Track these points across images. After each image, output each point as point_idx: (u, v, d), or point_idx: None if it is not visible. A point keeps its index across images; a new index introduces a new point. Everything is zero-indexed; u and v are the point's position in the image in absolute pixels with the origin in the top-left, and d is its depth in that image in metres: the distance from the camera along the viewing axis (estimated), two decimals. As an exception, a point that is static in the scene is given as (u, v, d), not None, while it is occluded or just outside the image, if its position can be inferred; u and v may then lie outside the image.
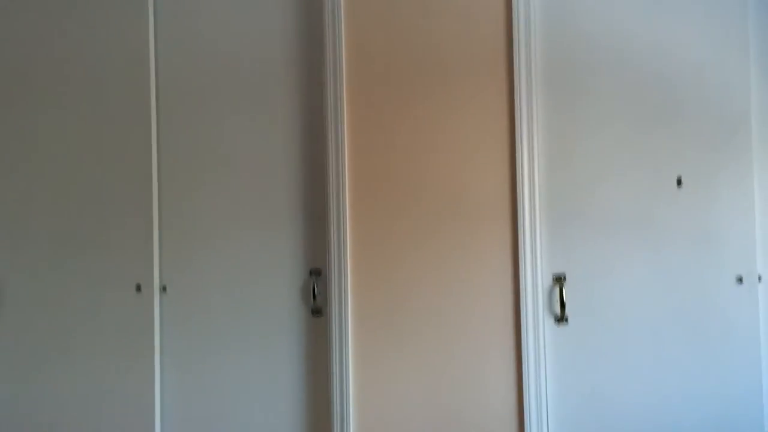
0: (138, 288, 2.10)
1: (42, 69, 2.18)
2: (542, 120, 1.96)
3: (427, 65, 1.99)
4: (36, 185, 2.17)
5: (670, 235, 1.92)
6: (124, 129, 2.13)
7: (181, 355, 2.11)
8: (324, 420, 2.03)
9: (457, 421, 1.96)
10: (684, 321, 1.91)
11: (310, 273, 2.06)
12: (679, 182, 1.94)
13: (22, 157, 2.18)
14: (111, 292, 2.11)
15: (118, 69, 2.13)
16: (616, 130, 1.95)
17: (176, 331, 2.11)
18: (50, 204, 2.16)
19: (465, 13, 1.98)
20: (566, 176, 1.95)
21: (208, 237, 2.10)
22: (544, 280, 1.94)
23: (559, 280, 1.94)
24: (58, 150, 2.16)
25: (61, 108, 2.17)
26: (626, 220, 1.94)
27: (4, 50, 2.19)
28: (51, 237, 2.15)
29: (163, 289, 2.11)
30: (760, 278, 1.90)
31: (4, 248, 2.17)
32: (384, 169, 2.01)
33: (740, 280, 1.90)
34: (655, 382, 1.91)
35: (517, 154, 1.94)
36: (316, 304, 2.05)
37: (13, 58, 2.19)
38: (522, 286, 1.92)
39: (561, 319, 1.93)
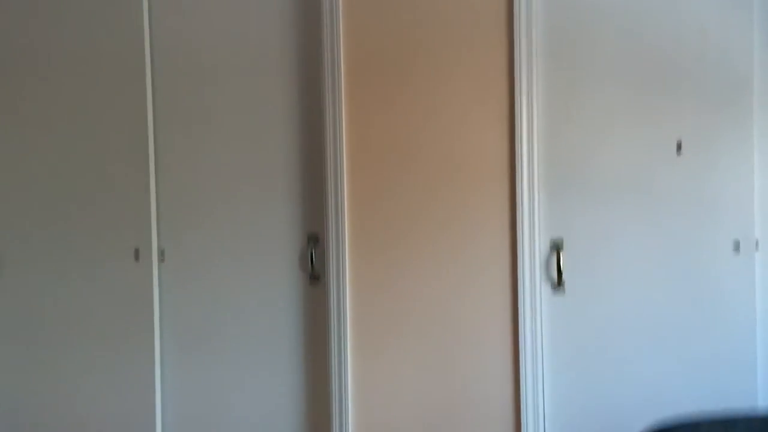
0: (136, 254, 2.10)
1: (40, 53, 2.15)
2: (542, 84, 1.93)
3: (425, 27, 1.96)
4: (33, 153, 2.16)
5: (668, 200, 1.91)
6: (120, 94, 2.10)
7: (180, 320, 2.12)
8: (322, 383, 2.05)
9: (453, 381, 1.98)
10: (681, 285, 1.91)
11: (308, 239, 2.06)
12: (678, 147, 1.92)
13: (18, 124, 2.16)
14: (109, 258, 2.12)
15: (113, 34, 2.10)
16: (616, 94, 1.92)
17: (175, 297, 2.12)
18: (47, 172, 2.15)
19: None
20: (565, 141, 1.94)
21: (206, 203, 2.10)
22: (542, 245, 1.94)
23: (557, 245, 1.94)
24: (55, 118, 2.14)
25: (56, 76, 2.14)
26: (625, 184, 1.93)
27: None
28: (48, 205, 2.15)
29: (162, 255, 2.12)
30: (757, 243, 1.90)
31: (1, 218, 2.17)
32: (382, 134, 1.99)
33: (737, 245, 1.90)
34: (651, 347, 1.92)
35: (515, 118, 1.92)
36: (314, 271, 2.05)
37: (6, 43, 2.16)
38: (519, 251, 1.92)
39: (558, 284, 1.94)
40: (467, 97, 1.96)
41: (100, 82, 2.12)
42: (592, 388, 1.94)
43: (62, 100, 2.14)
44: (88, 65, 2.13)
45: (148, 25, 2.09)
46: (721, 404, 1.87)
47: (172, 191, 2.11)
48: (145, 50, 2.08)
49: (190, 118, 2.10)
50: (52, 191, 2.15)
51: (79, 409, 2.17)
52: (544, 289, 1.94)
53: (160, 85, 2.10)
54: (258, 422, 2.10)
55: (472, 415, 1.97)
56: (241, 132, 2.08)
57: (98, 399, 2.15)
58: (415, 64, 1.97)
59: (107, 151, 2.12)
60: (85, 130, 2.13)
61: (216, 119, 2.09)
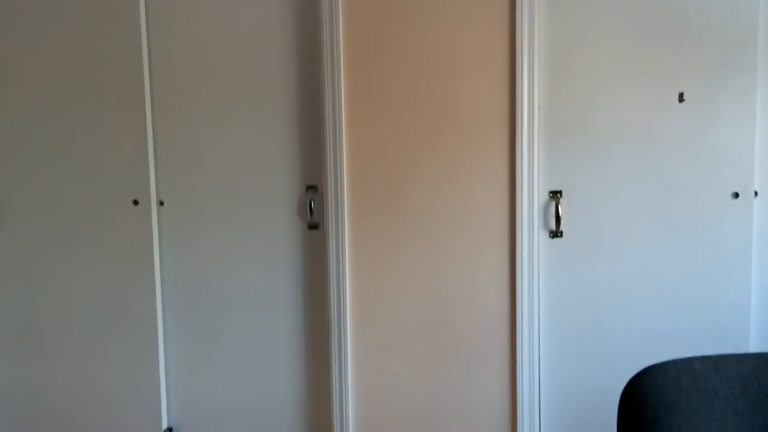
0: (135, 202, 2.11)
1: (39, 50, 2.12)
2: (543, 33, 1.91)
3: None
4: (31, 100, 2.14)
5: (669, 151, 1.91)
6: (117, 43, 2.08)
7: (180, 268, 2.14)
8: (321, 329, 2.08)
9: (450, 327, 2.00)
10: (679, 234, 1.92)
11: (307, 188, 2.06)
12: (681, 98, 1.91)
13: (18, 74, 2.15)
14: (109, 206, 2.12)
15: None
16: (618, 44, 1.91)
17: (175, 245, 2.13)
18: (45, 120, 2.14)
19: None
20: (566, 90, 1.93)
21: (204, 152, 2.10)
22: (541, 195, 1.94)
23: (556, 194, 1.94)
24: (53, 68, 2.12)
25: (57, 39, 2.12)
26: (625, 135, 1.92)
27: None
28: (47, 154, 2.15)
29: (161, 203, 2.12)
30: (756, 193, 1.91)
31: (2, 167, 2.17)
32: (380, 82, 1.98)
33: (736, 195, 1.90)
34: (647, 292, 1.94)
35: (516, 67, 1.91)
36: (313, 219, 2.06)
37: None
38: (518, 199, 1.92)
39: (556, 233, 1.95)
40: (467, 46, 1.94)
41: (97, 34, 2.09)
42: (588, 333, 1.96)
43: (60, 54, 2.12)
44: (83, 21, 2.10)
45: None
46: (716, 348, 1.89)
47: (170, 140, 2.10)
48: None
49: (187, 67, 2.08)
50: (51, 143, 2.14)
51: (82, 349, 2.20)
52: (541, 237, 1.95)
53: (157, 36, 2.08)
54: (257, 379, 2.13)
55: (466, 361, 2.00)
56: (241, 82, 2.06)
57: (100, 345, 2.18)
58: (415, 10, 1.95)
59: (104, 102, 2.10)
60: (82, 80, 2.11)
61: (213, 69, 2.07)
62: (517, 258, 1.94)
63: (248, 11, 2.04)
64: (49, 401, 2.23)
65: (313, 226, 2.07)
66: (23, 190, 2.17)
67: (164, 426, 2.16)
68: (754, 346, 1.93)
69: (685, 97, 1.91)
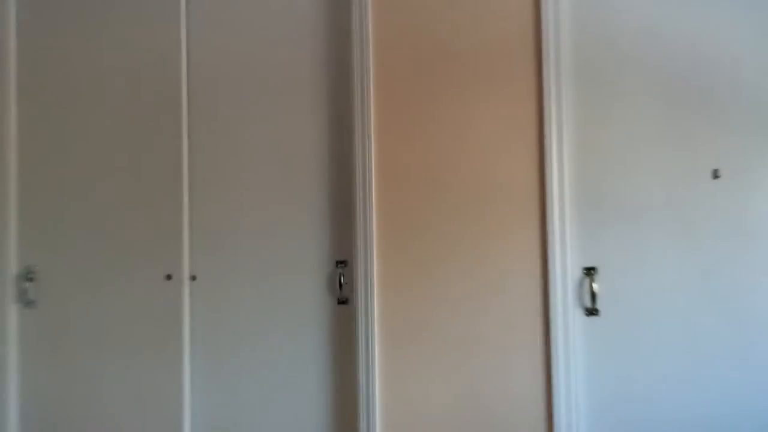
0: (168, 277, 2.14)
1: (80, 69, 2.26)
2: (571, 108, 1.93)
3: (454, 56, 1.99)
4: (71, 178, 2.24)
5: (706, 226, 1.86)
6: (156, 124, 2.18)
7: (210, 342, 2.13)
8: (350, 408, 2.02)
9: (484, 413, 1.92)
10: (721, 312, 1.84)
11: (337, 264, 2.06)
12: (715, 174, 1.87)
13: (58, 151, 2.25)
14: (142, 280, 2.16)
15: (152, 66, 2.19)
16: (648, 118, 1.90)
17: (205, 319, 2.14)
18: (84, 196, 2.23)
19: (493, 4, 1.97)
20: (596, 165, 1.92)
21: (237, 228, 2.13)
22: (574, 271, 1.90)
23: (590, 271, 1.90)
24: (93, 144, 2.23)
25: (95, 104, 2.24)
26: (660, 210, 1.88)
27: (43, 51, 2.28)
28: (85, 228, 2.22)
29: (193, 278, 2.15)
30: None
31: (41, 239, 2.25)
32: (411, 160, 2.00)
33: (781, 272, 1.82)
34: (689, 372, 1.84)
35: (545, 142, 1.91)
36: (343, 294, 2.05)
37: (52, 59, 2.28)
38: (551, 277, 1.88)
39: (592, 311, 1.88)
40: (496, 122, 1.96)
41: (139, 109, 2.20)
42: (628, 415, 1.85)
43: (99, 129, 2.23)
44: (126, 93, 2.21)
45: (186, 49, 2.18)
46: (759, 428, 1.77)
47: (204, 216, 2.15)
48: (181, 81, 2.16)
49: (221, 149, 2.15)
50: (88, 214, 2.22)
51: (112, 421, 2.18)
52: (577, 315, 1.89)
53: (195, 117, 2.17)
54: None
55: (502, 447, 1.90)
56: (271, 158, 2.12)
57: (129, 412, 2.16)
58: (445, 89, 2.00)
59: (143, 180, 2.18)
60: (121, 157, 2.20)
61: (247, 149, 2.14)
62: (551, 336, 1.88)
63: (282, 97, 2.12)
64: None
65: (343, 302, 2.06)
66: (60, 261, 2.23)
67: None
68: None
69: (720, 173, 1.88)
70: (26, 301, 2.22)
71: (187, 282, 2.14)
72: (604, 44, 1.93)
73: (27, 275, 2.23)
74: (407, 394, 1.97)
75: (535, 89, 1.95)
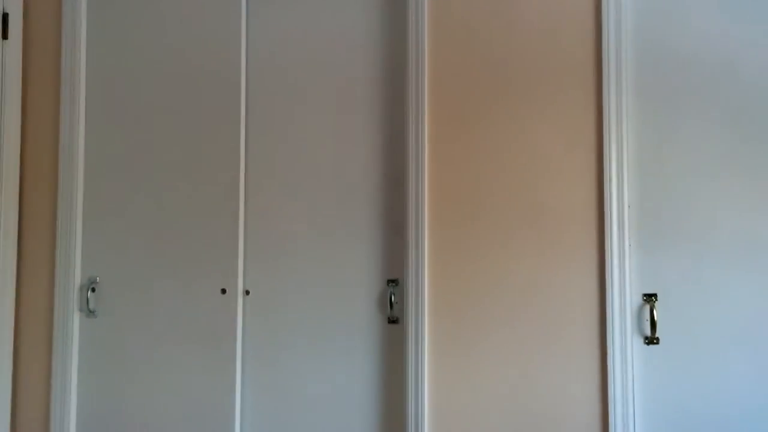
0: (223, 291, 2.18)
1: (142, 87, 2.33)
2: (633, 127, 1.87)
3: (511, 70, 1.96)
4: (133, 196, 2.31)
5: (776, 254, 1.77)
6: (214, 141, 2.23)
7: (261, 356, 2.16)
8: (398, 426, 2.01)
9: (536, 442, 1.88)
10: (793, 348, 1.74)
11: (388, 282, 2.06)
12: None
13: (121, 169, 2.33)
14: (198, 294, 2.21)
15: (210, 81, 2.24)
16: (716, 142, 1.82)
17: (258, 333, 2.17)
18: (144, 212, 2.29)
19: (551, 24, 1.93)
20: (658, 188, 1.85)
21: (290, 244, 2.16)
22: (634, 298, 1.83)
23: (650, 298, 1.83)
24: (153, 159, 2.29)
25: (156, 119, 2.30)
26: (725, 237, 1.80)
27: (103, 60, 2.36)
28: (144, 241, 2.28)
29: (247, 293, 2.18)
30: None
31: (103, 251, 2.33)
32: (464, 180, 1.98)
33: None
34: (755, 410, 1.75)
35: (605, 165, 1.86)
36: (393, 313, 2.04)
37: (110, 68, 2.36)
38: (609, 304, 1.82)
39: (651, 340, 1.82)
40: (553, 143, 1.92)
41: (197, 125, 2.25)
42: (690, 457, 1.78)
43: (160, 144, 2.29)
44: (185, 108, 2.27)
45: (245, 64, 2.22)
46: None
47: (259, 233, 2.18)
48: (240, 100, 2.20)
49: (277, 166, 2.18)
50: (148, 230, 2.28)
51: (163, 430, 2.24)
52: (635, 343, 1.83)
53: (252, 134, 2.21)
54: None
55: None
56: (326, 176, 2.13)
57: (181, 422, 2.22)
58: (500, 108, 1.96)
59: (201, 196, 2.23)
60: (182, 176, 2.26)
61: (301, 168, 2.16)
62: (608, 365, 1.82)
63: (337, 115, 2.14)
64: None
65: (393, 321, 2.05)
66: (120, 272, 2.30)
67: None
68: None
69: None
70: (88, 311, 2.31)
71: (241, 296, 2.18)
72: (672, 60, 1.86)
73: (90, 285, 2.31)
74: (457, 416, 1.94)
75: (595, 108, 1.89)
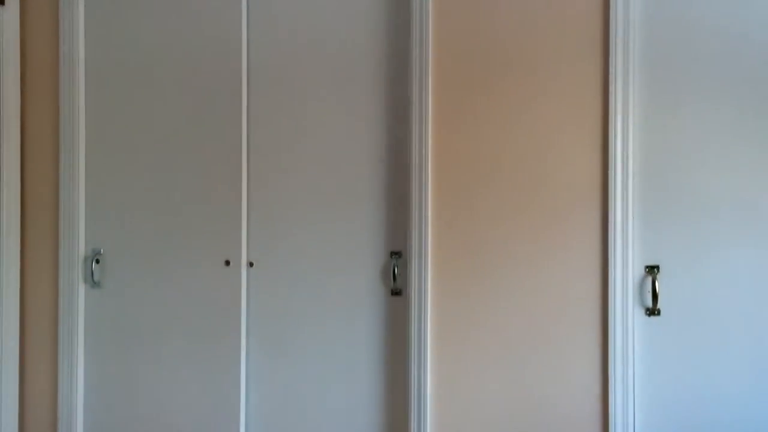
0: (227, 263, 2.19)
1: (141, 59, 2.30)
2: (639, 97, 1.84)
3: (517, 40, 1.93)
4: (135, 168, 2.30)
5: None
6: (217, 113, 2.21)
7: (265, 326, 2.19)
8: (401, 397, 2.05)
9: (538, 408, 1.91)
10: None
11: (391, 254, 2.07)
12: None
13: (123, 139, 2.32)
14: (202, 266, 2.22)
15: (212, 53, 2.21)
16: (722, 112, 1.80)
17: (262, 304, 2.19)
18: (147, 183, 2.29)
19: (558, -12, 1.89)
20: (663, 159, 1.84)
21: (294, 217, 2.16)
22: (636, 269, 1.84)
23: (652, 269, 1.84)
24: (156, 132, 2.28)
25: (158, 92, 2.28)
26: (729, 207, 1.80)
27: (108, 42, 2.33)
28: (148, 213, 2.29)
29: (251, 264, 2.19)
30: None
31: (106, 224, 2.33)
32: (468, 150, 1.97)
33: None
34: (754, 381, 1.77)
35: (609, 136, 1.84)
36: (396, 285, 2.05)
37: (110, 32, 2.32)
38: (611, 274, 1.83)
39: (653, 311, 1.83)
40: (558, 113, 1.90)
41: (200, 98, 2.23)
42: (686, 416, 1.81)
43: (163, 121, 2.27)
44: (188, 82, 2.24)
45: (246, 35, 2.19)
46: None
47: (262, 206, 2.18)
48: (242, 71, 2.17)
49: (279, 139, 2.17)
50: (152, 203, 2.28)
51: (169, 398, 2.28)
52: (637, 315, 1.84)
53: (254, 107, 2.19)
54: (337, 427, 2.13)
55: (555, 444, 1.89)
56: (329, 148, 2.12)
57: (187, 391, 2.25)
58: (504, 79, 1.94)
59: (204, 168, 2.22)
60: (184, 148, 2.25)
61: (304, 140, 2.14)
62: (609, 335, 1.84)
63: (340, 87, 2.11)
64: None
65: (396, 292, 2.06)
66: (124, 245, 2.31)
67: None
68: None
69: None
70: (93, 282, 2.32)
71: (245, 268, 2.19)
72: (679, 31, 1.83)
73: (94, 257, 2.32)
74: (459, 385, 1.97)
75: (601, 78, 1.87)
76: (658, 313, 1.83)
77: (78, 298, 2.32)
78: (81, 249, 2.32)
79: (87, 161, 2.33)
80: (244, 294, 2.19)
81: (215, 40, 2.20)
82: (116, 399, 2.33)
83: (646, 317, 1.84)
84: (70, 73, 2.31)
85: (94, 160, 2.33)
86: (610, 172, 1.85)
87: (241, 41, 2.18)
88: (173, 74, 2.26)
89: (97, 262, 2.32)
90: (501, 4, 1.94)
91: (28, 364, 2.38)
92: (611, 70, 1.84)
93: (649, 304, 1.84)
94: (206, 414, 2.23)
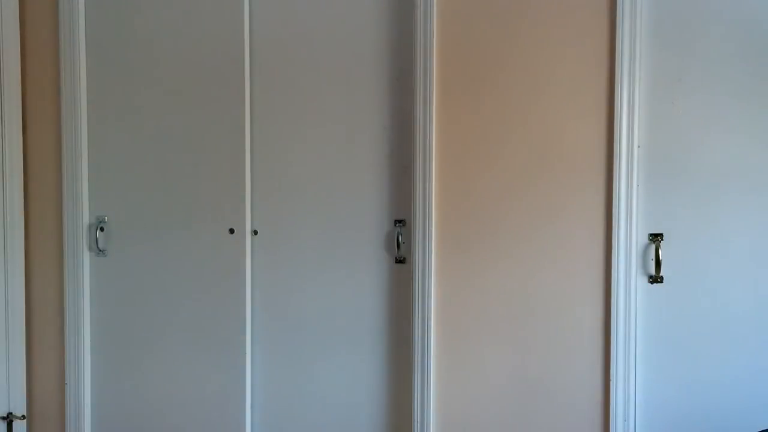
0: (231, 231, 2.20)
1: (145, 26, 2.27)
2: (645, 68, 1.83)
3: (522, 9, 1.91)
4: (138, 136, 2.29)
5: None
6: (221, 83, 2.19)
7: (269, 294, 2.20)
8: (405, 365, 2.07)
9: (539, 377, 1.93)
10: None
11: (395, 223, 2.07)
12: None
13: (126, 107, 2.31)
14: (206, 234, 2.22)
15: (215, 27, 2.19)
16: (728, 83, 1.79)
17: (266, 273, 2.20)
18: (151, 153, 2.28)
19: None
20: (668, 127, 1.83)
21: (298, 186, 2.16)
22: (639, 237, 1.85)
23: (656, 237, 1.84)
24: (160, 100, 2.27)
25: (162, 62, 2.26)
26: (734, 179, 1.80)
27: (111, 9, 2.30)
28: (152, 181, 2.29)
29: (255, 233, 2.20)
30: None
31: (110, 192, 2.33)
32: (473, 119, 1.96)
33: None
34: (760, 345, 1.79)
35: (615, 105, 1.83)
36: (400, 254, 2.06)
37: (118, 16, 2.30)
38: (614, 242, 1.84)
39: (656, 279, 1.84)
40: (564, 82, 1.89)
41: (203, 68, 2.21)
42: (691, 388, 1.84)
43: (169, 84, 2.26)
44: (191, 58, 2.23)
45: (248, 8, 2.16)
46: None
47: (266, 174, 2.18)
48: (244, 42, 2.15)
49: (283, 107, 2.15)
50: (155, 170, 2.28)
51: (174, 363, 2.30)
52: (640, 282, 1.85)
53: (257, 76, 2.17)
54: (340, 397, 2.15)
55: (557, 408, 1.92)
56: (332, 116, 2.11)
57: (191, 356, 2.28)
58: (511, 47, 1.92)
59: (207, 135, 2.22)
60: (186, 116, 2.24)
61: (308, 107, 2.13)
62: (612, 304, 1.85)
63: (345, 55, 2.09)
64: (139, 411, 2.35)
65: (400, 261, 2.07)
66: (129, 212, 2.32)
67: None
68: None
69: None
70: (98, 250, 2.33)
71: (249, 236, 2.19)
72: (683, 2, 1.81)
73: (98, 225, 2.33)
74: (462, 353, 2.00)
75: (607, 47, 1.85)
76: (661, 281, 1.85)
77: (83, 266, 2.33)
78: (85, 217, 2.33)
79: (89, 128, 2.32)
80: (248, 262, 2.20)
81: (217, 16, 2.18)
82: (123, 365, 2.35)
83: (649, 284, 1.86)
84: (71, 36, 2.29)
85: (97, 128, 2.32)
86: (615, 139, 1.84)
87: (243, 14, 2.15)
88: (178, 40, 2.24)
89: (102, 230, 2.33)
90: (508, -32, 1.91)
91: (35, 333, 2.41)
92: (618, 37, 1.82)
93: (652, 271, 1.85)
94: (210, 379, 2.25)
